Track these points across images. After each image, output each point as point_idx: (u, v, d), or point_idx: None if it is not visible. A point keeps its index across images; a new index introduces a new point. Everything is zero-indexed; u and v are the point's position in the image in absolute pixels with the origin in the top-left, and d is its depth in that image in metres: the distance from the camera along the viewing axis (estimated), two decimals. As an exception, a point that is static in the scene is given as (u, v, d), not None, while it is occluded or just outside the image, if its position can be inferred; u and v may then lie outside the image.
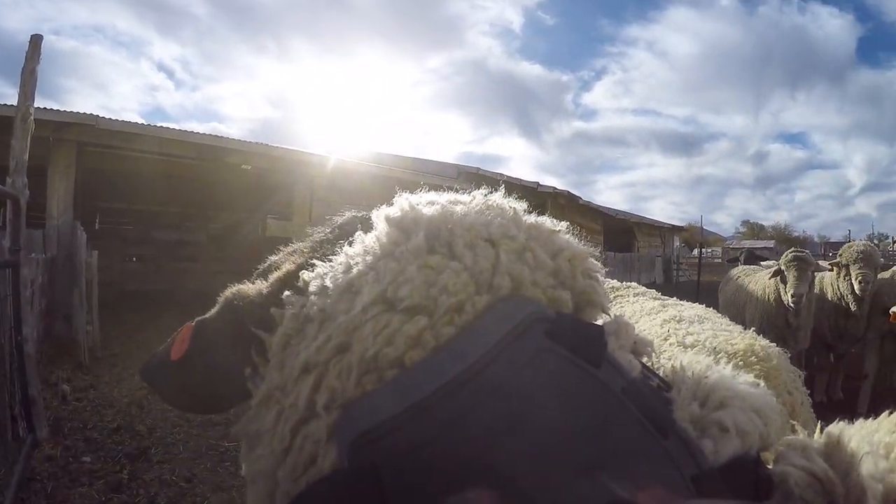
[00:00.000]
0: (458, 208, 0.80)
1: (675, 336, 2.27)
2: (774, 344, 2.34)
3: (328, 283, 0.77)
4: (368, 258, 0.76)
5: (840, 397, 7.11)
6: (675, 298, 3.16)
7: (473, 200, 0.84)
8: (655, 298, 3.13)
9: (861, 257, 6.10)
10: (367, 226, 0.86)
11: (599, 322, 0.78)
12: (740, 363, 2.00)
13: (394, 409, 0.59)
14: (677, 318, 2.54)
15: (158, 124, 11.32)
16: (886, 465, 0.63)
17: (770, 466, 0.65)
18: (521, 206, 0.86)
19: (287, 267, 1.03)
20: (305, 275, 0.83)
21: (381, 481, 0.56)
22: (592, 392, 0.62)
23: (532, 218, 0.84)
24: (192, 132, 12.04)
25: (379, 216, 0.82)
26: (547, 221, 0.85)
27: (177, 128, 11.82)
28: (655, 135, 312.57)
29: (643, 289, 3.42)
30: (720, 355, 2.04)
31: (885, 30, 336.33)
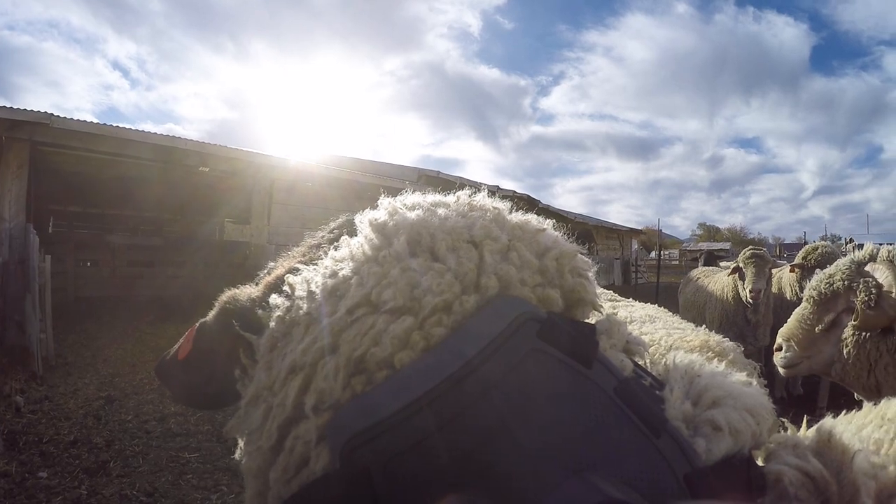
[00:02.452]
0: (441, 211, 0.81)
1: None
2: (727, 339, 2.38)
3: (314, 287, 0.78)
4: (353, 263, 0.78)
5: (800, 392, 7.34)
6: (630, 299, 3.20)
7: (457, 202, 0.86)
8: (610, 300, 3.18)
9: (828, 259, 6.25)
10: (354, 230, 0.88)
11: (591, 320, 0.79)
12: None
13: (386, 410, 0.59)
14: (629, 320, 2.57)
15: (114, 124, 11.01)
16: (878, 460, 0.65)
17: (761, 464, 0.66)
18: (504, 206, 0.88)
19: (277, 272, 1.06)
20: (291, 279, 0.84)
21: (373, 483, 0.57)
22: (584, 392, 0.62)
23: (517, 217, 0.85)
24: (150, 133, 11.72)
25: (363, 220, 0.84)
26: (533, 220, 0.86)
27: (133, 128, 11.54)
28: (612, 139, 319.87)
29: (600, 290, 3.45)
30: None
31: (838, 38, 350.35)
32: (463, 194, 0.89)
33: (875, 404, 0.88)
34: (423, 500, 0.56)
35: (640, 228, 42.99)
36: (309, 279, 0.81)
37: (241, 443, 0.82)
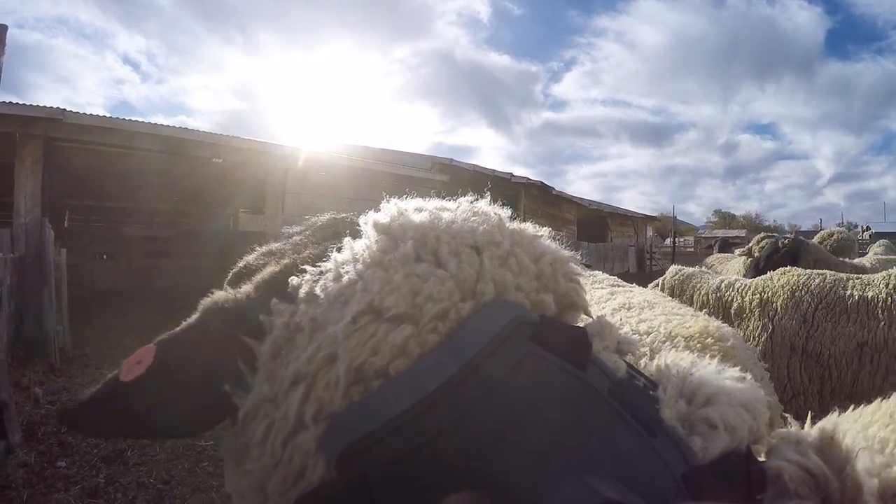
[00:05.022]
0: (445, 215, 0.81)
1: (629, 324, 2.22)
2: (726, 324, 2.36)
3: (318, 291, 0.76)
4: (358, 266, 0.76)
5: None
6: (633, 284, 3.17)
7: (460, 207, 0.86)
8: (612, 286, 3.14)
9: (844, 245, 6.31)
10: (352, 229, 0.86)
11: (582, 324, 0.80)
12: (697, 345, 2.00)
13: (382, 417, 0.59)
14: (627, 306, 2.53)
15: (126, 118, 11.05)
16: (882, 459, 0.63)
17: (762, 459, 0.65)
18: (505, 212, 0.87)
19: (272, 268, 0.96)
20: (294, 280, 0.81)
21: (370, 491, 0.57)
22: (579, 395, 0.62)
23: (516, 224, 0.85)
24: (162, 125, 11.73)
25: (367, 222, 0.82)
26: (529, 227, 0.86)
27: (146, 121, 11.58)
28: (625, 125, 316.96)
29: (602, 276, 3.44)
30: (676, 339, 2.03)
31: (853, 22, 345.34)
32: (464, 200, 0.89)
33: (883, 400, 0.87)
34: None
35: (654, 215, 42.71)
36: (312, 281, 0.79)
37: (230, 461, 0.79)
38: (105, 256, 13.43)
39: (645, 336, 2.07)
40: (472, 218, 0.81)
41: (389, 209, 0.84)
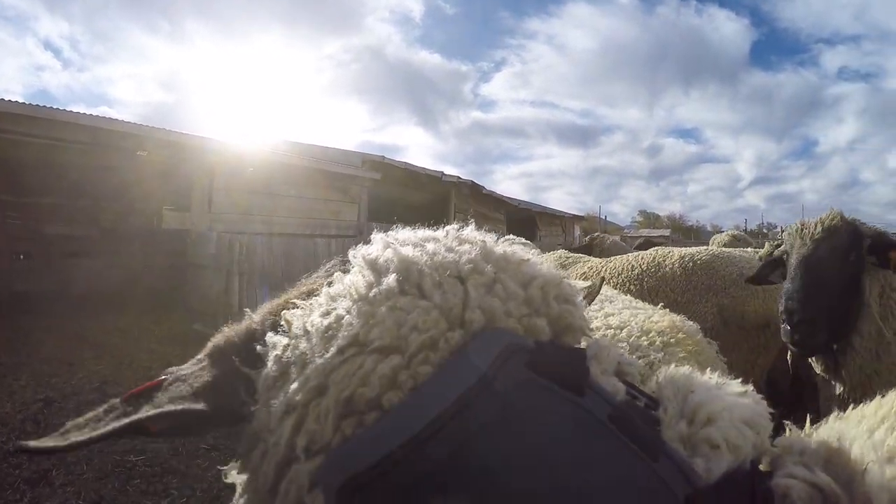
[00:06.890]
0: (430, 246, 0.82)
1: (598, 319, 2.25)
2: (689, 319, 2.45)
3: (308, 325, 0.79)
4: (346, 301, 0.78)
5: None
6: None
7: (446, 236, 0.87)
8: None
9: (737, 245, 7.26)
10: (344, 265, 0.91)
11: (582, 345, 0.81)
12: (671, 340, 2.08)
13: (376, 454, 0.59)
14: None
15: (49, 106, 10.42)
16: (892, 471, 0.64)
17: (768, 469, 0.67)
18: (491, 238, 0.88)
19: (278, 302, 1.09)
20: (287, 315, 0.86)
21: None
22: (578, 422, 0.62)
23: (502, 248, 0.86)
24: (85, 115, 11.11)
25: (356, 256, 0.85)
26: (518, 251, 0.86)
27: (69, 110, 10.95)
28: (553, 126, 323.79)
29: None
30: (651, 334, 2.10)
31: (777, 35, 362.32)
32: (452, 228, 0.90)
33: (883, 396, 0.87)
34: None
35: (581, 215, 43.85)
36: (305, 316, 0.82)
37: (238, 485, 0.84)
38: (22, 256, 12.76)
39: (619, 331, 2.13)
40: (458, 247, 0.82)
41: (378, 242, 0.86)
